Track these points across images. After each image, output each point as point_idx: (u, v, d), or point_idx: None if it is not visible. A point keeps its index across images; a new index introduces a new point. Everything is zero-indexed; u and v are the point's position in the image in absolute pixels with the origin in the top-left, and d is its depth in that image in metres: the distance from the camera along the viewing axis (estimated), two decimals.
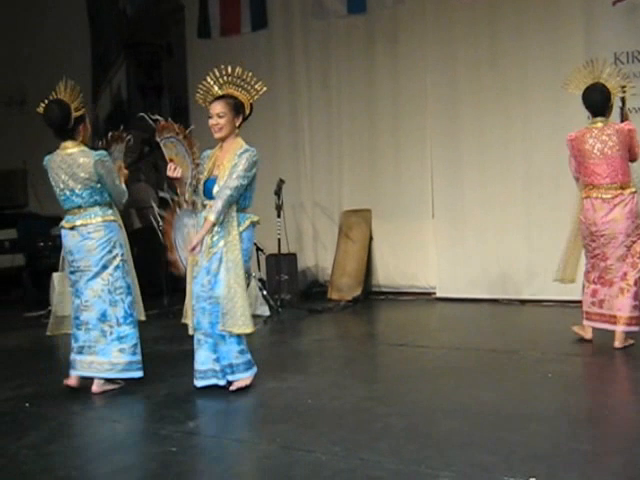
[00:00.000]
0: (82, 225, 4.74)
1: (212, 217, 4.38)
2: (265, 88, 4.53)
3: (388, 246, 8.31)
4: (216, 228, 4.43)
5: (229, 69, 4.50)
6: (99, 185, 4.75)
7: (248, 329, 4.44)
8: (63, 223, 4.84)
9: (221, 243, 4.42)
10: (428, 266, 8.05)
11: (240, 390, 4.52)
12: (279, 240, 7.63)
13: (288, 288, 7.92)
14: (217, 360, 4.52)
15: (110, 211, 4.83)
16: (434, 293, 7.97)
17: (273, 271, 7.96)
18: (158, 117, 4.65)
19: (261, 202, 7.96)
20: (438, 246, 7.95)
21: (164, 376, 5.07)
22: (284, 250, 7.95)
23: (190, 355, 4.68)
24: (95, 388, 4.77)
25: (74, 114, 4.73)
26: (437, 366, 5.10)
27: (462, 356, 5.39)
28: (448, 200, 7.87)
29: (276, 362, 5.50)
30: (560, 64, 6.91)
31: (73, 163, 4.74)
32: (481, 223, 7.65)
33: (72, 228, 4.77)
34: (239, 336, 4.51)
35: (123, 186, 4.92)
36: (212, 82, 4.52)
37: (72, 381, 4.83)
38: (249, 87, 4.53)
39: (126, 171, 5.02)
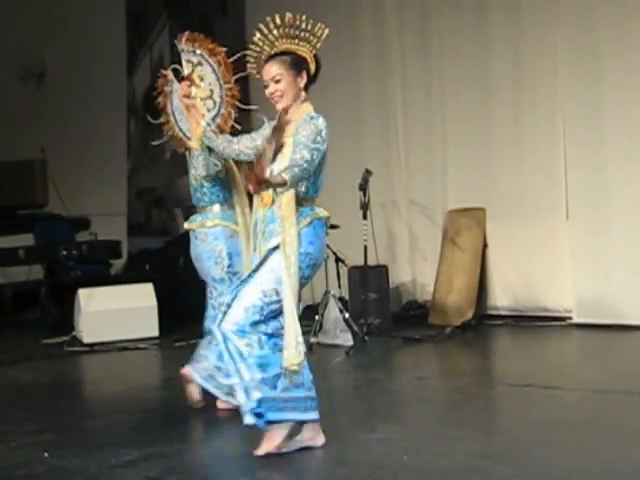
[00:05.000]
0: (193, 229, 5.26)
1: (287, 175, 4.10)
2: (327, 30, 4.35)
3: (508, 256, 8.26)
4: (270, 219, 4.28)
5: (277, 20, 4.33)
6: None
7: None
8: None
9: (274, 240, 4.27)
10: (561, 282, 7.96)
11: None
12: (365, 248, 7.62)
13: (377, 310, 7.93)
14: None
15: (221, 214, 5.22)
16: (570, 318, 7.89)
17: (358, 288, 7.96)
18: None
19: (341, 200, 8.09)
20: (575, 256, 7.85)
21: (212, 432, 5.11)
22: (371, 261, 7.95)
23: None
24: (219, 404, 5.28)
25: None
26: (575, 414, 5.04)
27: (609, 401, 5.31)
28: (588, 196, 7.75)
29: (362, 406, 5.50)
30: None
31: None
32: (633, 226, 7.52)
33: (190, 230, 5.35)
34: None
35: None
36: (261, 43, 4.41)
37: (221, 404, 5.29)
38: (307, 35, 4.37)
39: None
